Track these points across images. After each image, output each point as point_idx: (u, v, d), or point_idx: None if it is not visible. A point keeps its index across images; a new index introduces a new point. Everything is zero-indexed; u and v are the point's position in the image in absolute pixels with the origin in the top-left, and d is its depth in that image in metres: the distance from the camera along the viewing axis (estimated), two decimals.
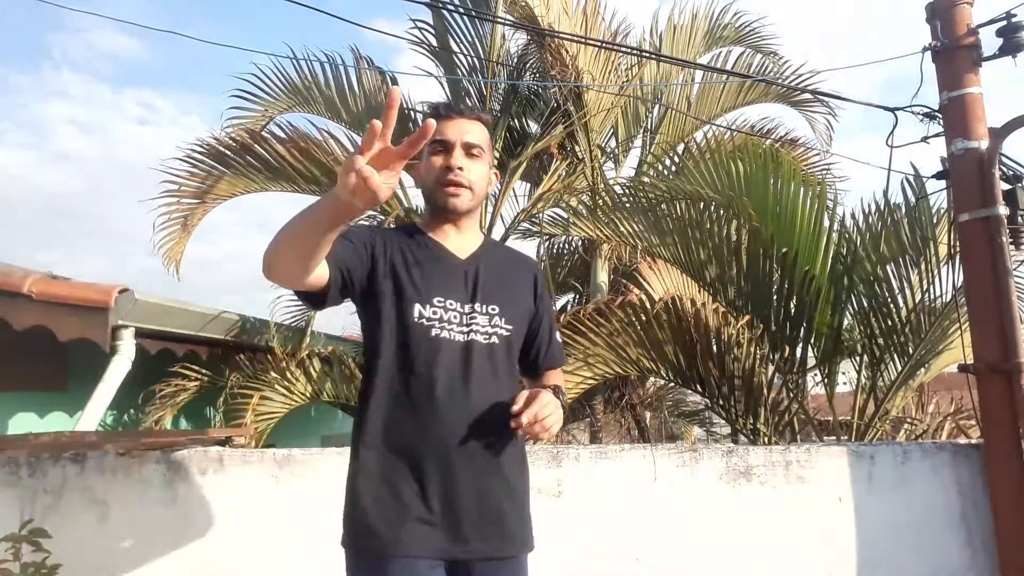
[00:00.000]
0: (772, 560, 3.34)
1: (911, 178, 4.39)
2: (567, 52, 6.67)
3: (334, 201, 1.44)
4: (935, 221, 4.46)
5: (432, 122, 1.42)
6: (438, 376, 1.82)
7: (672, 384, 5.95)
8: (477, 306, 1.90)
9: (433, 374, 1.82)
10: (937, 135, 3.71)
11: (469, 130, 1.94)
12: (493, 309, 1.92)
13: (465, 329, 1.87)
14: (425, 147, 1.90)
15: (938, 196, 4.30)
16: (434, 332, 1.84)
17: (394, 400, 1.84)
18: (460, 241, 1.99)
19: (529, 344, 2.08)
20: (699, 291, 5.27)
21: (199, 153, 6.32)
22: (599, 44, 6.83)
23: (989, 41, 3.55)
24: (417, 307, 1.84)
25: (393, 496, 1.80)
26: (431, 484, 1.79)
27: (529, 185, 7.90)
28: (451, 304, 1.87)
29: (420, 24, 6.97)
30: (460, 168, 1.91)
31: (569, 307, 7.66)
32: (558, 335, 2.18)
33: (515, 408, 1.75)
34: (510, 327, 1.94)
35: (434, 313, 1.85)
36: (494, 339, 1.90)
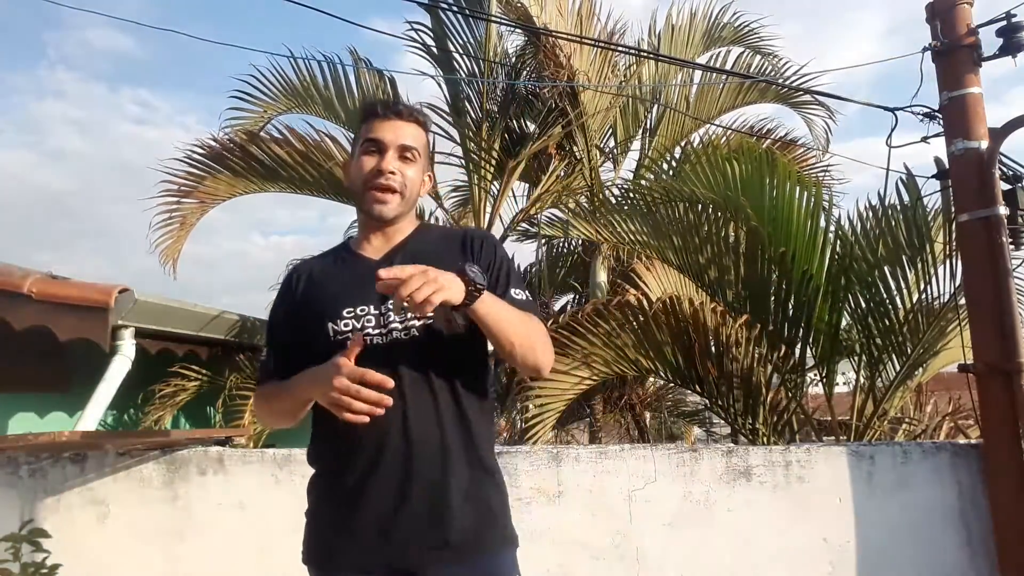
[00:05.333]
0: (772, 560, 3.35)
1: (905, 178, 4.40)
2: (561, 52, 6.69)
3: (317, 394, 1.69)
4: (931, 221, 4.47)
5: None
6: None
7: (671, 384, 5.96)
8: (391, 303, 1.70)
9: None
10: (937, 135, 3.72)
11: (406, 132, 1.84)
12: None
13: (384, 330, 1.73)
14: (357, 144, 1.87)
15: (934, 196, 4.31)
16: (350, 344, 1.69)
17: (332, 428, 1.70)
18: (383, 244, 1.88)
19: None
20: (697, 291, 5.28)
21: (198, 154, 6.34)
22: (595, 43, 6.85)
23: (989, 41, 3.57)
24: (329, 325, 1.76)
25: (333, 517, 1.75)
26: (373, 497, 1.69)
27: (528, 186, 7.92)
28: (364, 310, 1.76)
29: (417, 26, 6.99)
30: (392, 172, 1.80)
31: (569, 307, 7.67)
32: (521, 292, 1.86)
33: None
34: (432, 313, 1.64)
35: (346, 325, 1.75)
36: (415, 331, 1.73)
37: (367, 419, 1.60)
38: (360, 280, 1.77)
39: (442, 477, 1.69)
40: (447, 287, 1.55)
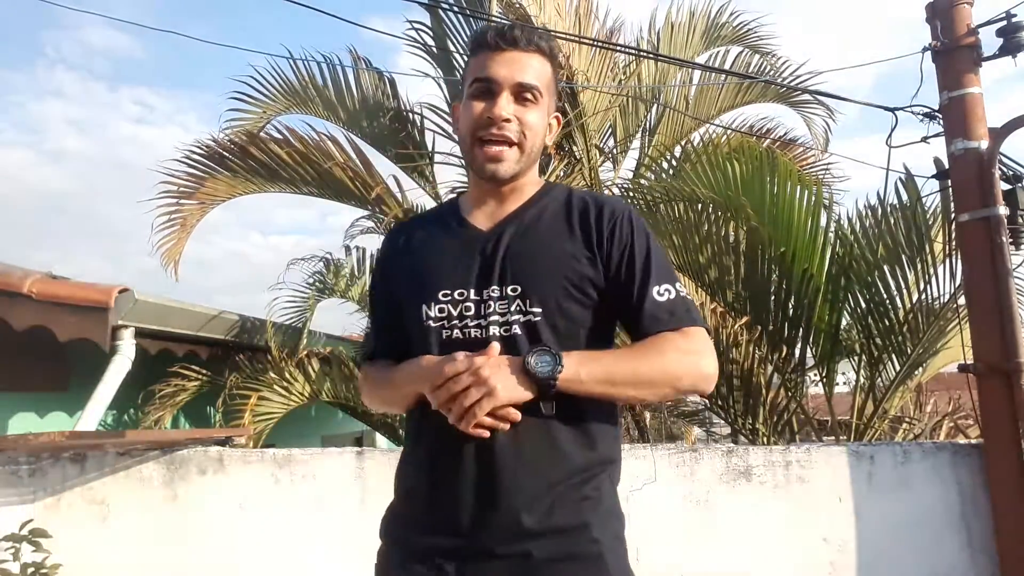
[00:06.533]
0: (772, 560, 3.35)
1: (905, 178, 4.40)
2: (560, 51, 6.68)
3: (424, 388, 1.38)
4: (931, 221, 4.48)
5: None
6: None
7: None
8: (494, 289, 1.42)
9: None
10: (937, 135, 3.72)
11: (525, 66, 1.46)
12: (514, 289, 1.41)
13: (484, 323, 1.41)
14: (466, 85, 1.52)
15: (934, 196, 4.31)
16: (445, 334, 1.43)
17: (415, 435, 1.49)
18: (496, 209, 1.54)
19: (622, 311, 1.47)
20: (696, 291, 5.28)
21: (198, 155, 6.32)
22: (594, 43, 6.85)
23: (989, 41, 3.57)
24: (424, 307, 1.45)
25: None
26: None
27: None
28: (462, 294, 1.43)
29: (417, 25, 6.98)
30: (507, 120, 1.44)
31: None
32: (667, 289, 1.45)
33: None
34: (539, 308, 1.40)
35: (441, 311, 1.43)
36: (516, 329, 1.39)
37: (487, 433, 1.33)
38: (461, 255, 1.48)
39: (535, 528, 1.34)
40: (499, 393, 1.29)
